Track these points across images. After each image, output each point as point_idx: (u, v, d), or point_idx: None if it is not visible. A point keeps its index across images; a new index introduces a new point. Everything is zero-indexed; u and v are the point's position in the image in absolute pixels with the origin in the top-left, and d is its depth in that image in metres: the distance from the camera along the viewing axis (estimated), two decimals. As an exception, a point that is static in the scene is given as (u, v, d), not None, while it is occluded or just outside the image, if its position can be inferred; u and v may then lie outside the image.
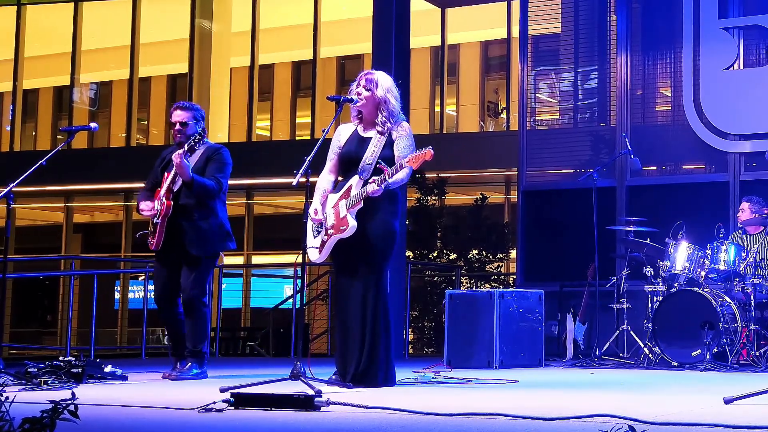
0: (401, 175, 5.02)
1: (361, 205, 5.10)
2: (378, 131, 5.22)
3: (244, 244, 18.52)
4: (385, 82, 5.26)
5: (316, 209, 5.19)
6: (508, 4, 16.97)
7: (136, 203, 6.17)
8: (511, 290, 8.01)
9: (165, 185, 5.91)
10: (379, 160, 5.08)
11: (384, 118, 5.21)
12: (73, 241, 20.49)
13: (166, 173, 5.96)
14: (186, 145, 5.77)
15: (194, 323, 5.92)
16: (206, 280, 6.00)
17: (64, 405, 2.63)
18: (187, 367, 5.94)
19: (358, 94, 5.24)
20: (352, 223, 5.09)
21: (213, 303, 9.08)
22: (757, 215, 7.71)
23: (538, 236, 9.77)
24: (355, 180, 5.16)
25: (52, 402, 2.66)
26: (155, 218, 5.94)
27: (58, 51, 20.17)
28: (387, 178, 4.99)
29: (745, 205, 7.90)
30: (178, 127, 5.97)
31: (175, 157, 5.72)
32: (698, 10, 9.16)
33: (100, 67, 20.52)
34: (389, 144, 5.20)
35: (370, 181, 5.07)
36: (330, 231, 5.18)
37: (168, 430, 3.46)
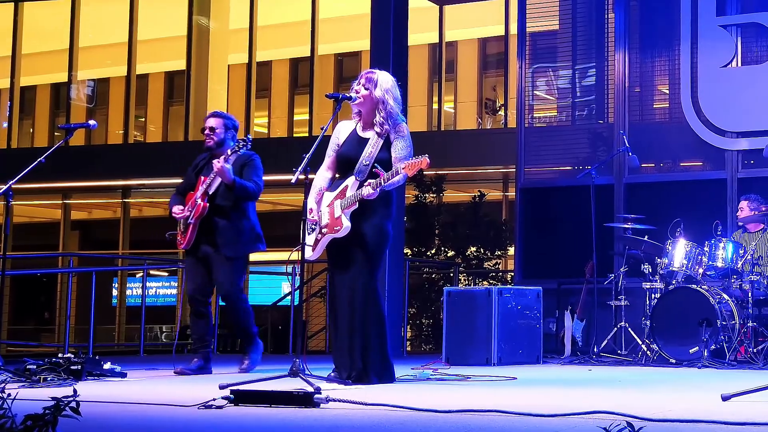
0: (397, 178, 5.02)
1: (356, 206, 5.11)
2: (376, 132, 5.21)
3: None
4: (385, 82, 5.23)
5: (311, 209, 5.19)
6: (505, 2, 16.97)
7: (168, 206, 6.55)
8: (510, 287, 8.01)
9: (201, 188, 6.22)
10: (376, 164, 5.08)
11: (382, 120, 5.18)
12: (70, 238, 20.48)
13: (201, 177, 6.27)
14: (229, 150, 6.14)
15: (239, 317, 6.24)
16: (242, 279, 6.35)
17: (65, 402, 2.64)
18: (247, 361, 6.23)
19: (357, 92, 5.24)
20: (347, 223, 5.10)
21: (212, 300, 9.13)
22: (756, 212, 7.72)
23: (536, 233, 9.78)
24: (351, 180, 5.16)
25: (53, 399, 2.67)
26: (189, 218, 6.22)
27: (55, 48, 20.14)
28: (382, 182, 5.00)
29: (743, 204, 7.92)
30: (207, 131, 6.36)
31: (217, 162, 6.10)
32: (696, 7, 9.16)
33: (97, 64, 20.49)
34: (387, 146, 5.19)
35: (365, 183, 5.07)
36: (324, 230, 5.19)
37: (168, 426, 3.46)
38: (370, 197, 5.04)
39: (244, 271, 6.40)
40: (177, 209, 6.26)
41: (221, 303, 6.75)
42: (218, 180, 6.19)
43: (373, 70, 5.31)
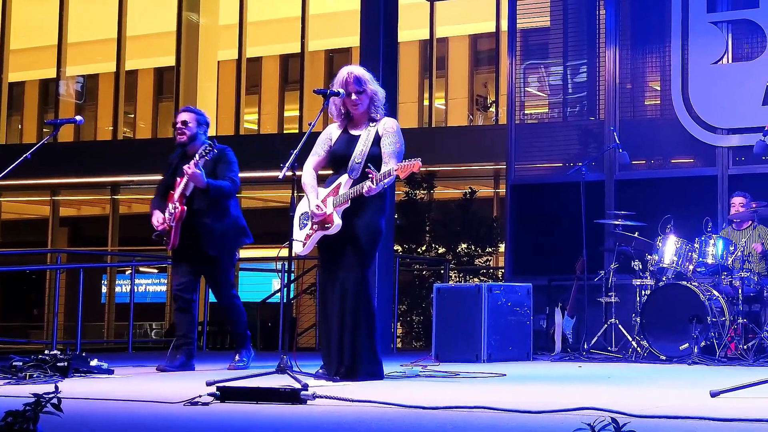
0: (388, 179, 5.02)
1: (348, 204, 5.11)
2: (371, 123, 5.22)
3: (232, 238, 18.44)
4: (365, 74, 5.29)
5: (318, 205, 5.15)
6: (496, -2, 16.95)
7: (149, 209, 6.52)
8: (500, 284, 7.99)
9: (178, 191, 6.18)
10: (368, 164, 5.07)
11: (375, 109, 5.24)
12: (59, 235, 20.39)
13: (178, 178, 6.20)
14: (197, 155, 6.02)
15: (232, 317, 6.31)
16: (231, 275, 6.37)
17: (47, 398, 2.61)
18: (237, 358, 6.26)
19: (356, 101, 5.20)
20: (337, 221, 5.10)
21: (201, 298, 9.09)
22: (747, 210, 7.71)
23: (526, 230, 9.76)
24: (344, 179, 5.17)
25: (35, 395, 2.64)
26: (171, 222, 6.19)
27: (44, 44, 20.04)
28: (373, 185, 4.97)
29: (736, 200, 7.92)
30: (179, 125, 6.27)
31: (187, 168, 6.02)
32: (687, 4, 9.16)
33: (86, 60, 20.41)
34: (377, 141, 5.19)
35: (361, 184, 5.06)
36: (315, 226, 5.17)
37: (153, 423, 3.43)
38: (369, 193, 5.02)
39: (232, 267, 6.38)
40: (156, 220, 6.22)
41: (213, 301, 6.72)
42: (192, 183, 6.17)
43: (351, 71, 5.27)
